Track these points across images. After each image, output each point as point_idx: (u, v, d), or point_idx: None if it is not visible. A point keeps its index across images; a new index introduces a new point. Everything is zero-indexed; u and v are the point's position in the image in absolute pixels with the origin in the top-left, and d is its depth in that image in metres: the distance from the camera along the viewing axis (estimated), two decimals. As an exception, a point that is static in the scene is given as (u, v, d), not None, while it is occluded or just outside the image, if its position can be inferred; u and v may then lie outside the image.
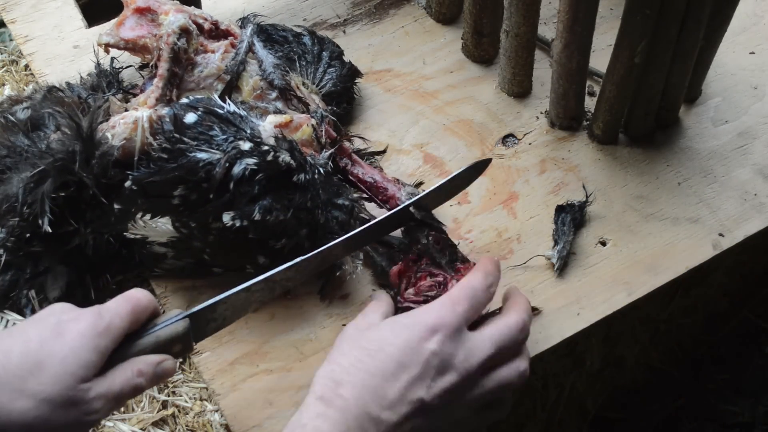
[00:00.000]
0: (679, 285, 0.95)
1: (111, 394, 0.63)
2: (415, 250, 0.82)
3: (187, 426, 0.82)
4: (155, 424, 0.82)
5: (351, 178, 0.91)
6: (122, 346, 0.66)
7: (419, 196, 0.83)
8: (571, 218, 0.91)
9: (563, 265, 0.89)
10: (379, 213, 0.90)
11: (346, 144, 0.94)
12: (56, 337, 0.63)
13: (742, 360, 1.39)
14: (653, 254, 0.90)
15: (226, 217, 0.78)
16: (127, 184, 0.79)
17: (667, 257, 0.90)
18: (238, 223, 0.78)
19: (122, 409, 0.82)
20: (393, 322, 0.70)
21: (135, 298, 0.68)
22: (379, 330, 0.69)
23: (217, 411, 0.82)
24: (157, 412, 0.82)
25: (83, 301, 0.86)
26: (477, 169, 0.85)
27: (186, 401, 0.83)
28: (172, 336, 0.68)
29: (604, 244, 0.92)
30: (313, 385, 0.68)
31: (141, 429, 0.81)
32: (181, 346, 0.69)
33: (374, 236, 0.82)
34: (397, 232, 0.86)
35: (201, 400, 0.83)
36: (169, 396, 0.83)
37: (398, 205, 0.85)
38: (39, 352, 0.62)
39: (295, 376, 0.82)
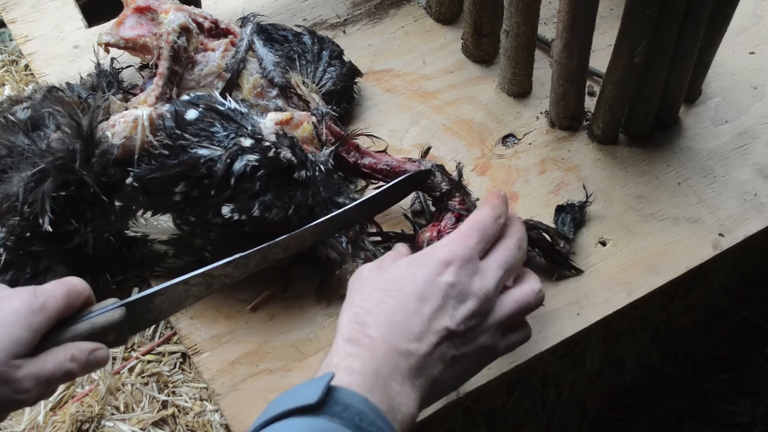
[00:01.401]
0: (679, 285, 0.95)
1: (42, 375, 0.63)
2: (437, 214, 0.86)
3: (187, 426, 0.82)
4: (155, 424, 0.82)
5: (365, 170, 0.90)
6: (56, 331, 0.66)
7: (364, 198, 0.84)
8: (572, 218, 0.91)
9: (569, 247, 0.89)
10: (383, 221, 0.90)
11: (351, 139, 0.94)
12: None
13: (742, 360, 1.39)
14: (653, 254, 0.90)
15: (225, 209, 0.78)
16: (128, 180, 0.79)
17: (667, 257, 0.90)
18: (236, 217, 0.78)
19: (122, 409, 0.82)
20: (407, 262, 0.72)
21: (71, 282, 0.68)
22: (395, 270, 0.71)
23: (217, 411, 0.82)
24: (157, 412, 0.82)
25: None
26: (415, 181, 0.88)
27: (186, 401, 0.83)
28: (108, 323, 0.68)
29: (604, 244, 0.92)
30: (339, 329, 0.68)
31: (141, 429, 0.81)
32: (115, 336, 0.69)
33: (321, 233, 0.82)
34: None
35: (201, 400, 0.83)
36: (169, 396, 0.83)
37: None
38: None
39: (295, 376, 0.82)
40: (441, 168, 0.88)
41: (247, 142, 0.79)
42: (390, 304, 0.69)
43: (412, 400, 0.65)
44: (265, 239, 0.78)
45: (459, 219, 0.85)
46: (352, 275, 0.74)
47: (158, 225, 0.81)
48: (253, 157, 0.78)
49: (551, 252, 0.87)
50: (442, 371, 0.68)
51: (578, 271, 0.88)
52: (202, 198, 0.79)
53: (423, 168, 0.88)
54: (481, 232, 0.73)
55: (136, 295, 0.71)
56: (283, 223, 0.80)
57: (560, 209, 0.92)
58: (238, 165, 0.78)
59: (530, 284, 0.74)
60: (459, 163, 0.91)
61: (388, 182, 0.87)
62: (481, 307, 0.70)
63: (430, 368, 0.67)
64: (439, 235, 0.84)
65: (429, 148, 0.94)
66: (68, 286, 0.67)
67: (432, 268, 0.70)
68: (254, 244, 0.78)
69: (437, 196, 0.87)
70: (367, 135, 0.98)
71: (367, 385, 0.63)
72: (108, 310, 0.68)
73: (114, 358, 0.86)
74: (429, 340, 0.67)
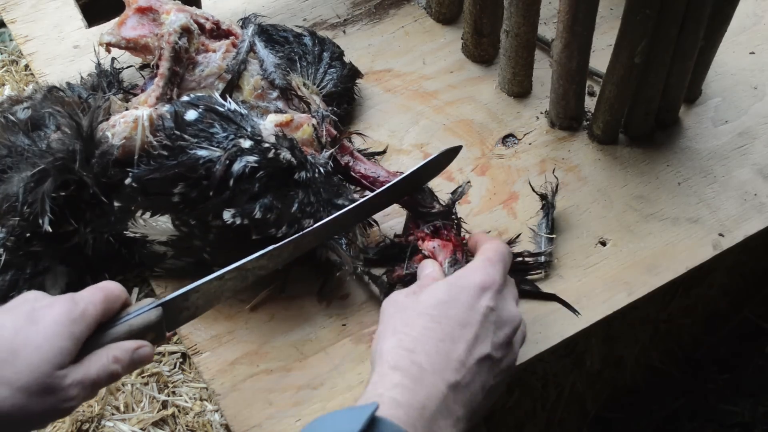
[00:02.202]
0: (679, 285, 0.95)
1: (87, 380, 0.63)
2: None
3: (187, 426, 0.82)
4: (155, 424, 0.82)
5: (354, 174, 0.90)
6: (96, 335, 0.66)
7: (390, 183, 0.83)
8: (545, 214, 0.91)
9: (548, 264, 0.89)
10: (382, 221, 0.90)
11: (347, 142, 0.94)
12: (30, 325, 0.62)
13: (742, 360, 1.39)
14: (653, 254, 0.90)
15: (227, 215, 0.78)
16: (128, 181, 0.79)
17: (667, 257, 0.90)
18: (238, 221, 0.78)
19: (122, 409, 0.82)
20: (447, 285, 0.72)
21: (107, 287, 0.68)
22: (435, 293, 0.71)
23: (217, 411, 0.82)
24: (157, 412, 0.82)
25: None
26: (447, 156, 0.87)
27: (186, 401, 0.83)
28: (145, 324, 0.68)
29: (604, 244, 0.92)
30: (383, 356, 0.68)
31: (141, 429, 0.81)
32: (154, 335, 0.69)
33: (347, 223, 0.82)
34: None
35: (201, 400, 0.83)
36: (169, 396, 0.83)
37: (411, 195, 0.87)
38: (14, 340, 0.61)
39: (295, 376, 0.82)
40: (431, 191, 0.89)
41: (246, 144, 0.79)
42: (436, 330, 0.68)
43: None
44: (265, 242, 0.78)
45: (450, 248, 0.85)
46: (386, 300, 0.74)
47: (157, 226, 0.81)
48: (252, 158, 0.78)
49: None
50: (481, 402, 0.68)
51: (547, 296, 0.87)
52: (201, 199, 0.79)
53: (451, 147, 0.87)
54: (504, 262, 0.75)
55: (171, 295, 0.71)
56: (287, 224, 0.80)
57: (542, 208, 0.93)
58: (237, 166, 0.78)
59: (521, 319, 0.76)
60: (459, 187, 0.91)
61: (372, 191, 0.88)
62: (513, 333, 0.71)
63: (473, 399, 0.67)
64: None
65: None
66: (106, 291, 0.67)
67: (472, 293, 0.70)
68: (254, 245, 0.77)
69: (424, 213, 0.87)
70: (359, 134, 0.98)
71: (412, 420, 0.62)
72: (145, 311, 0.68)
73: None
74: (472, 368, 0.67)
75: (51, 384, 0.61)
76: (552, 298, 0.86)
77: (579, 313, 0.85)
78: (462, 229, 0.88)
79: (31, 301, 0.65)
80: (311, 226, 0.79)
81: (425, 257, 0.83)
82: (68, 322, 0.63)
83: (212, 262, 0.84)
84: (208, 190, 0.78)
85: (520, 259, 0.88)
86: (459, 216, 0.88)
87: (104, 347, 0.65)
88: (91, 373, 0.63)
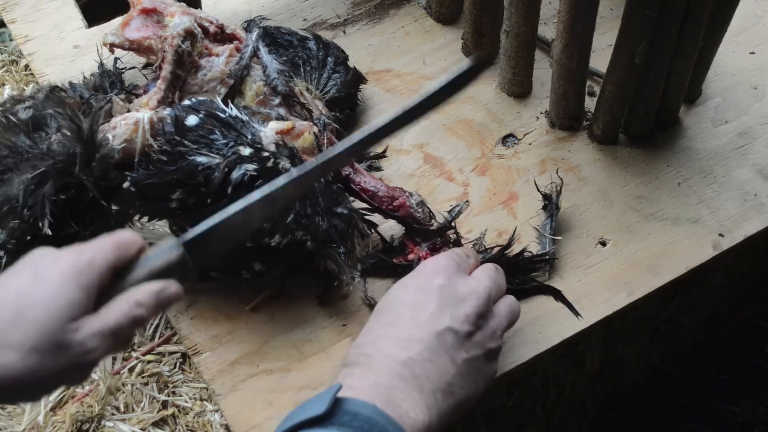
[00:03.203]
0: (679, 285, 0.95)
1: (106, 329, 0.59)
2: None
3: (187, 426, 0.82)
4: (155, 424, 0.82)
5: (353, 186, 0.89)
6: (113, 284, 0.62)
7: (424, 96, 0.72)
8: (549, 214, 0.91)
9: (552, 263, 0.89)
10: (381, 222, 0.90)
11: None
12: (34, 283, 0.59)
13: (742, 360, 1.39)
14: (653, 254, 0.90)
15: None
16: (126, 185, 0.79)
17: (667, 257, 0.90)
18: None
19: (122, 409, 0.82)
20: (399, 281, 0.74)
21: (118, 234, 0.64)
22: (389, 292, 0.73)
23: (217, 411, 0.82)
24: (157, 412, 0.82)
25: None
26: (478, 66, 0.75)
27: (186, 401, 0.83)
28: (167, 265, 0.64)
29: (604, 244, 0.92)
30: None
31: (141, 429, 0.81)
32: (180, 275, 0.65)
33: (375, 140, 0.74)
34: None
35: (201, 400, 0.83)
36: (169, 396, 0.83)
37: (410, 212, 0.87)
38: (17, 301, 0.58)
39: (295, 377, 0.82)
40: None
41: (246, 152, 0.79)
42: (384, 320, 0.69)
43: (421, 406, 0.64)
44: (261, 248, 0.78)
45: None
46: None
47: (155, 230, 0.81)
48: (251, 166, 0.78)
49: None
50: (456, 376, 0.67)
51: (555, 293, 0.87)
52: (198, 206, 0.78)
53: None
54: (461, 258, 0.76)
55: (194, 232, 0.66)
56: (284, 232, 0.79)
57: (544, 208, 0.93)
58: (235, 174, 0.77)
59: (509, 297, 0.76)
60: (456, 206, 0.93)
61: (373, 206, 0.88)
62: (481, 307, 0.70)
63: (440, 372, 0.66)
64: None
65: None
66: (116, 237, 0.63)
67: (423, 275, 0.72)
68: (249, 251, 0.78)
69: (422, 231, 0.88)
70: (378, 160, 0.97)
71: (369, 396, 0.62)
72: (165, 251, 0.64)
73: (114, 359, 0.86)
74: (431, 343, 0.66)
75: (63, 339, 0.57)
76: (556, 294, 0.86)
77: (581, 316, 0.85)
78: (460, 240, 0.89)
79: (36, 258, 0.62)
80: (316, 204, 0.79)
81: None
82: (75, 273, 0.59)
83: (209, 267, 0.83)
84: (206, 197, 0.77)
85: (526, 256, 0.88)
86: (458, 233, 0.90)
87: (123, 294, 0.61)
88: (110, 321, 0.59)
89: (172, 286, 0.63)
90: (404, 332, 0.67)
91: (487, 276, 0.74)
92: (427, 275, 0.72)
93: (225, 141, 0.80)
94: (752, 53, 1.10)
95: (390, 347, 0.66)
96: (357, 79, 1.01)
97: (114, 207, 0.80)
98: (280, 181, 0.68)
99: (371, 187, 0.89)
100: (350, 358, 0.69)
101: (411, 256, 0.87)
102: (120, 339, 0.61)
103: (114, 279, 0.62)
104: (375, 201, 0.88)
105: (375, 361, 0.66)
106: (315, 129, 0.88)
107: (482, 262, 0.80)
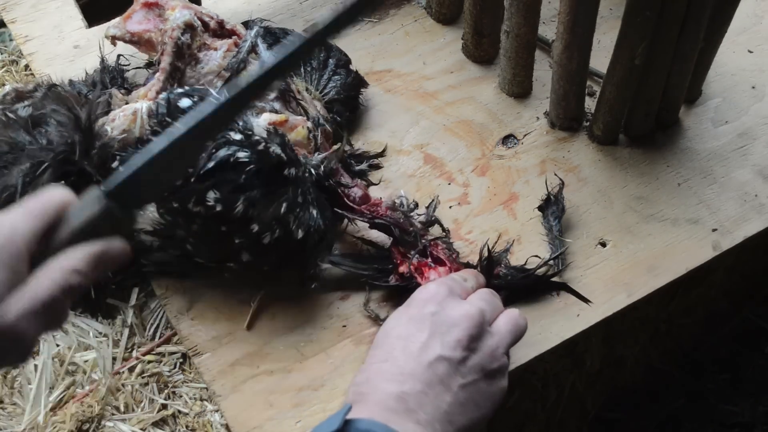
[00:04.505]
0: (679, 286, 0.95)
1: (37, 304, 0.52)
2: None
3: (187, 426, 0.82)
4: (155, 424, 0.82)
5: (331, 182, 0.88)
6: (43, 248, 0.55)
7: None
8: (555, 216, 0.91)
9: (562, 264, 0.89)
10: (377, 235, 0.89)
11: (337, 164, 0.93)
12: None
13: (742, 360, 1.39)
14: (653, 255, 0.90)
15: (210, 195, 0.76)
16: (115, 164, 0.79)
17: (667, 258, 0.90)
18: (219, 207, 0.76)
19: (122, 410, 0.82)
20: (394, 313, 0.73)
21: (39, 195, 0.56)
22: (384, 324, 0.73)
23: (217, 411, 0.82)
24: (157, 412, 0.82)
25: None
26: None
27: (186, 401, 0.83)
28: (90, 220, 0.56)
29: (604, 245, 0.92)
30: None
31: (141, 429, 0.81)
32: (110, 228, 0.57)
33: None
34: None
35: (201, 400, 0.83)
36: (169, 396, 0.84)
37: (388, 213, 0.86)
38: None
39: (295, 378, 0.82)
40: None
41: (236, 136, 0.79)
42: (378, 355, 0.68)
43: None
44: (248, 237, 0.77)
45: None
46: None
47: (143, 214, 0.81)
48: (243, 153, 0.77)
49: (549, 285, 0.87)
50: (453, 404, 0.65)
51: (584, 300, 0.86)
52: (186, 188, 0.78)
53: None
54: (456, 282, 0.75)
55: (115, 179, 0.57)
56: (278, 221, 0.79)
57: (543, 209, 0.92)
58: (222, 152, 0.77)
59: (511, 310, 0.75)
60: (431, 201, 0.92)
61: (368, 216, 0.86)
62: (473, 329, 0.69)
63: (436, 403, 0.64)
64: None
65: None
66: (39, 199, 0.56)
67: (415, 305, 0.71)
68: (236, 240, 0.78)
69: (406, 238, 0.85)
70: (350, 145, 0.97)
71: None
72: (87, 205, 0.56)
73: (114, 359, 0.86)
74: (424, 375, 0.65)
75: None
76: (562, 287, 0.86)
77: (590, 302, 0.85)
78: (449, 238, 0.88)
79: None
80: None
81: None
82: None
83: (195, 253, 0.83)
84: (192, 177, 0.77)
85: (541, 266, 0.87)
86: (443, 226, 0.89)
87: (52, 261, 0.54)
88: (42, 296, 0.52)
89: (114, 245, 0.57)
90: (396, 366, 0.66)
91: (480, 298, 0.73)
92: (418, 304, 0.71)
93: None
94: (750, 51, 1.10)
95: (383, 383, 0.65)
96: (358, 82, 1.01)
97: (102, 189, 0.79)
98: (207, 107, 0.59)
99: (351, 192, 0.87)
100: (348, 396, 0.68)
101: (402, 269, 0.84)
102: (56, 313, 0.55)
103: (44, 242, 0.55)
104: (349, 200, 0.86)
105: (370, 398, 0.65)
106: (309, 124, 0.88)
107: (509, 282, 0.80)
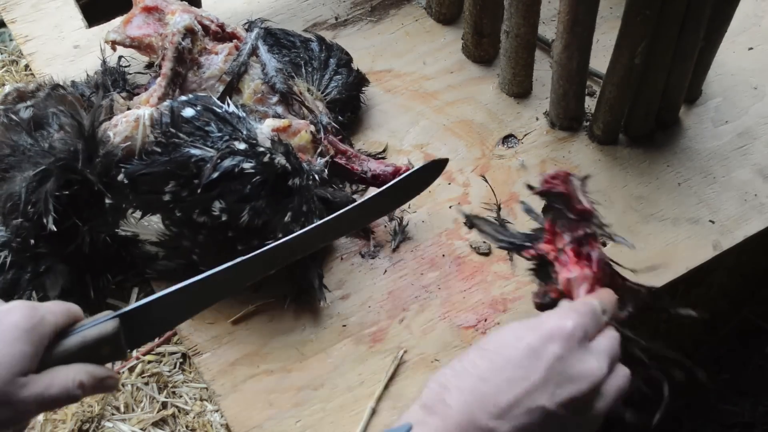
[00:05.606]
0: (679, 285, 0.95)
1: (46, 397, 0.59)
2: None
3: (187, 426, 0.82)
4: (155, 424, 0.82)
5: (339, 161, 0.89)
6: (52, 346, 0.62)
7: (372, 195, 0.77)
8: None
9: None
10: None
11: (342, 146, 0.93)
12: None
13: (742, 360, 1.39)
14: (653, 255, 0.90)
15: (216, 205, 0.77)
16: (120, 177, 0.79)
17: (667, 258, 0.90)
18: (225, 217, 0.77)
19: (122, 409, 0.82)
20: (517, 323, 0.63)
21: (67, 303, 0.65)
22: (500, 331, 0.63)
23: (217, 411, 0.82)
24: (158, 412, 0.82)
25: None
26: (434, 168, 0.82)
27: (186, 401, 0.83)
28: (100, 336, 0.63)
29: (604, 244, 0.91)
30: (423, 389, 0.61)
31: (141, 429, 0.81)
32: (110, 349, 0.64)
33: (327, 237, 0.76)
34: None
35: (201, 400, 0.83)
36: (169, 396, 0.83)
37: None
38: None
39: (295, 377, 0.82)
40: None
41: (240, 146, 0.79)
42: (481, 367, 0.60)
43: None
44: (253, 247, 0.76)
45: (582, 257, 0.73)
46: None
47: (148, 225, 0.81)
48: (248, 164, 0.78)
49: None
50: None
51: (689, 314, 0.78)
52: (191, 199, 0.78)
53: (436, 159, 0.84)
54: (595, 317, 0.65)
55: (130, 306, 0.66)
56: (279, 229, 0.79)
57: (548, 209, 0.90)
58: (227, 162, 0.77)
59: (622, 369, 0.65)
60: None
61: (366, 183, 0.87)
62: (590, 394, 0.61)
63: None
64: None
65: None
66: (66, 303, 0.64)
67: (540, 335, 0.61)
68: (240, 248, 0.77)
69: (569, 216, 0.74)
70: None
71: None
72: (100, 322, 0.64)
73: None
74: (518, 419, 0.58)
75: (9, 393, 0.57)
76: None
77: (633, 246, 0.76)
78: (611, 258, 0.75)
79: None
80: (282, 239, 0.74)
81: (561, 294, 0.72)
82: (29, 327, 0.59)
83: (201, 263, 0.83)
84: (198, 188, 0.77)
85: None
86: (611, 234, 0.75)
87: (69, 366, 0.61)
88: (52, 391, 0.59)
89: (112, 380, 0.64)
90: (494, 396, 0.59)
91: (608, 353, 0.63)
92: (545, 336, 0.61)
93: (220, 134, 0.80)
94: (750, 49, 1.10)
95: (475, 408, 0.58)
96: (359, 81, 1.01)
97: (107, 201, 0.80)
98: (220, 267, 0.68)
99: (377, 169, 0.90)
100: (430, 395, 0.60)
101: (546, 247, 0.74)
102: (53, 408, 0.63)
103: (55, 341, 0.63)
104: (368, 178, 0.90)
105: (453, 417, 0.58)
106: (312, 128, 0.88)
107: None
